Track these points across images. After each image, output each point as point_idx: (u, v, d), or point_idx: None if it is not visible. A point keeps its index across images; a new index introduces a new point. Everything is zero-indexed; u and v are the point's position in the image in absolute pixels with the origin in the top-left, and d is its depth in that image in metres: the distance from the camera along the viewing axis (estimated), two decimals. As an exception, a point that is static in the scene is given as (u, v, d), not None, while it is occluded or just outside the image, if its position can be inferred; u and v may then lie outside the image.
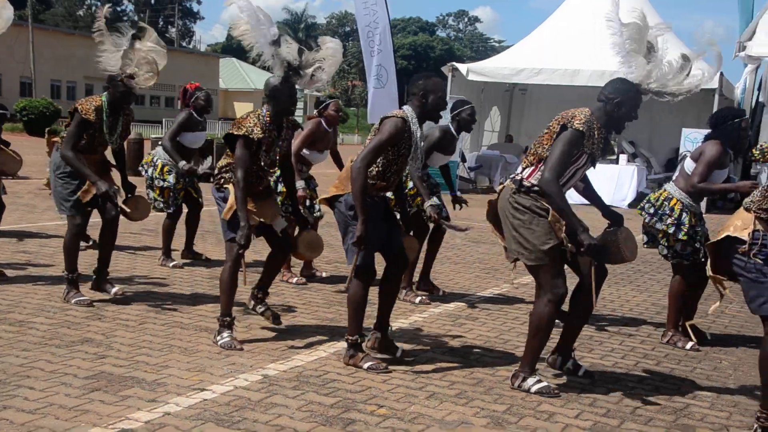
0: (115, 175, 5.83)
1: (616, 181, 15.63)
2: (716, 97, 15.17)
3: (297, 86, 4.85)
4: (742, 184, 5.19)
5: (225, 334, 4.80)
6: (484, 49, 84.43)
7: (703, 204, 10.75)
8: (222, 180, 4.88)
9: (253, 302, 5.14)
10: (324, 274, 7.09)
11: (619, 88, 4.21)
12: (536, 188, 4.13)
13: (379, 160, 4.42)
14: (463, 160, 17.19)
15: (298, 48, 4.82)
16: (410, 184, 6.10)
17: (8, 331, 4.88)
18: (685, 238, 5.23)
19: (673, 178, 5.54)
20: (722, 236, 3.86)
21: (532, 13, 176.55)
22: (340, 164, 6.75)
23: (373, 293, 4.66)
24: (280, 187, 6.19)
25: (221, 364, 4.43)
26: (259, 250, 7.32)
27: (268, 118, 4.82)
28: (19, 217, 9.84)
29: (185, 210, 7.53)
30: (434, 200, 5.76)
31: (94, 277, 5.79)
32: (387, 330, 4.75)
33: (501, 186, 4.41)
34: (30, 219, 9.74)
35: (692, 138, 15.67)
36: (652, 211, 5.36)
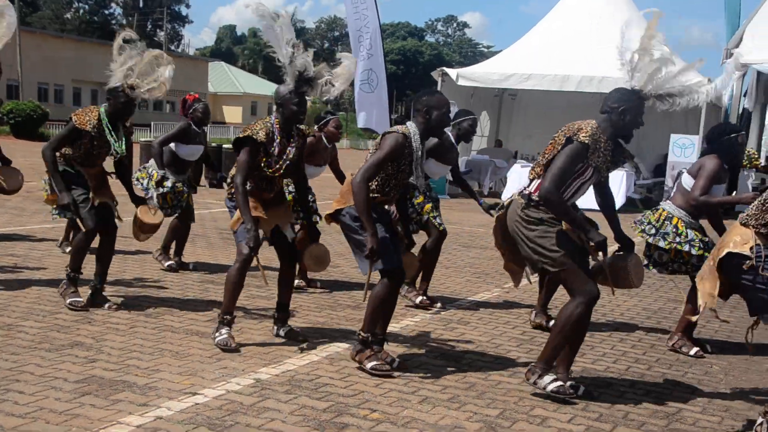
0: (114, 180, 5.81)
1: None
2: (704, 104, 15.26)
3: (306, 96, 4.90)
4: (745, 197, 5.11)
5: (223, 331, 4.81)
6: (473, 54, 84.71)
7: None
8: (233, 188, 4.89)
9: (276, 327, 5.15)
10: (318, 284, 6.99)
11: (621, 97, 4.23)
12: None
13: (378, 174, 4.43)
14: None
15: (312, 59, 4.86)
16: (415, 194, 6.09)
17: (-3, 334, 4.83)
18: (700, 252, 5.21)
19: (670, 196, 5.53)
20: (724, 254, 3.83)
21: (521, 19, 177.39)
22: (341, 179, 6.63)
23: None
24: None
25: (213, 368, 4.41)
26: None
27: (277, 126, 4.85)
28: (7, 220, 9.78)
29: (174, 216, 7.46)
30: None
31: (91, 292, 5.68)
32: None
33: (508, 201, 4.40)
34: (18, 222, 9.67)
35: (680, 144, 15.77)
36: (653, 231, 5.34)
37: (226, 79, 65.46)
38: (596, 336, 5.71)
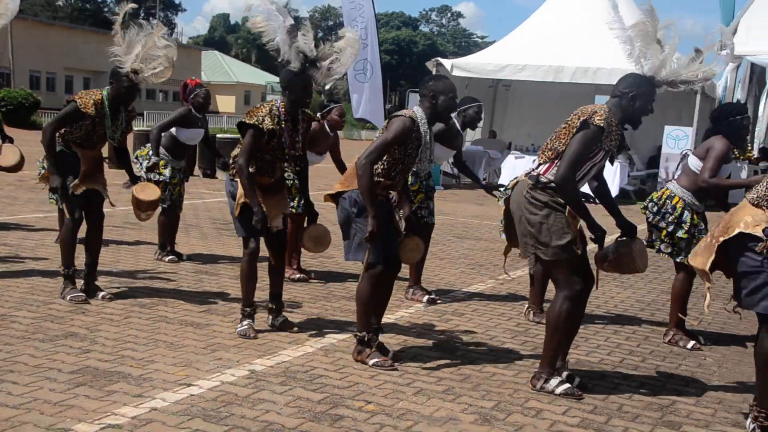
0: (110, 171, 5.78)
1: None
2: (698, 95, 15.28)
3: (314, 81, 4.84)
4: (755, 179, 5.02)
5: (244, 323, 4.93)
6: (466, 44, 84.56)
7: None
8: (234, 170, 4.88)
9: (270, 317, 5.15)
10: (312, 275, 6.98)
11: (633, 83, 4.22)
12: (553, 184, 4.12)
13: (384, 158, 4.40)
14: (447, 155, 17.20)
15: (315, 39, 4.81)
16: (411, 179, 5.94)
17: (-10, 325, 4.82)
18: (685, 236, 5.21)
19: (675, 176, 5.50)
20: (734, 233, 3.67)
21: (515, 10, 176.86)
22: (342, 169, 6.56)
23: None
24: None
25: (207, 359, 4.40)
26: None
27: (282, 110, 4.82)
28: (-1, 209, 9.73)
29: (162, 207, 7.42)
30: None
31: (83, 282, 5.64)
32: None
33: (514, 181, 4.36)
34: (11, 211, 9.61)
35: (674, 135, 15.78)
36: (655, 209, 5.33)
37: (220, 68, 65.15)
38: (590, 328, 5.72)
